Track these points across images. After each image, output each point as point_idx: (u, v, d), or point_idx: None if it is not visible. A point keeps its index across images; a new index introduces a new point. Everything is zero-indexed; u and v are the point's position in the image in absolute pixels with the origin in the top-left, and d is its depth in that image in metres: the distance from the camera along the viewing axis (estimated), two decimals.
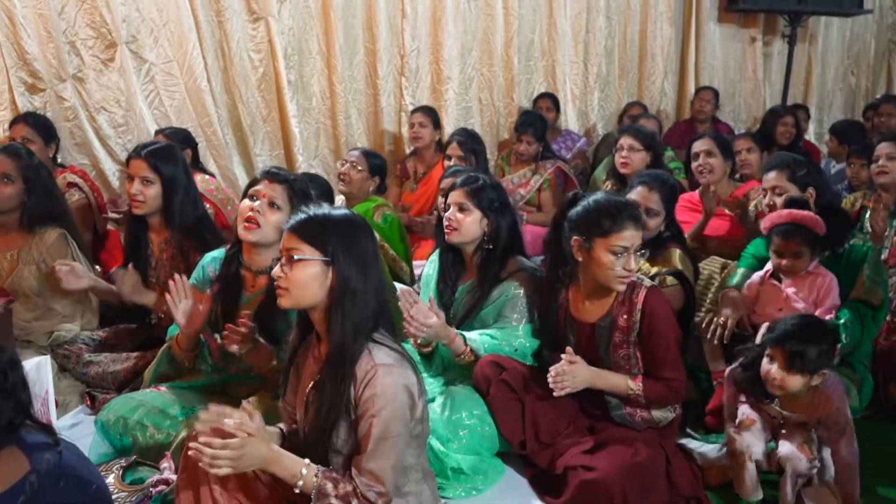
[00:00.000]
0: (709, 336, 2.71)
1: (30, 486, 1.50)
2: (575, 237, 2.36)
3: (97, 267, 3.42)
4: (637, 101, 5.97)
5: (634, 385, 2.37)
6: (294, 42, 4.78)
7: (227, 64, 4.60)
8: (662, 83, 6.29)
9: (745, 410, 2.41)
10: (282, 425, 2.00)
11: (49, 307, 3.03)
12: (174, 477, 2.09)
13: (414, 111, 4.88)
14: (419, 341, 2.73)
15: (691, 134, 5.05)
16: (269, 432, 1.89)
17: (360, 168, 3.80)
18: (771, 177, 3.09)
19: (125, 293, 2.84)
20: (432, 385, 2.70)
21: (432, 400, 2.60)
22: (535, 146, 4.64)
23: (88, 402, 2.88)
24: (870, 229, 3.46)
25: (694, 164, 3.77)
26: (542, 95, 5.61)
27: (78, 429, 2.74)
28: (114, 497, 2.07)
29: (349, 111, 5.08)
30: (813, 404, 2.24)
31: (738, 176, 3.96)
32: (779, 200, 3.02)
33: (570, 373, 2.32)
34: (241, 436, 1.70)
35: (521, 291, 2.65)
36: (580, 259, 2.38)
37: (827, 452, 2.34)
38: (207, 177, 4.07)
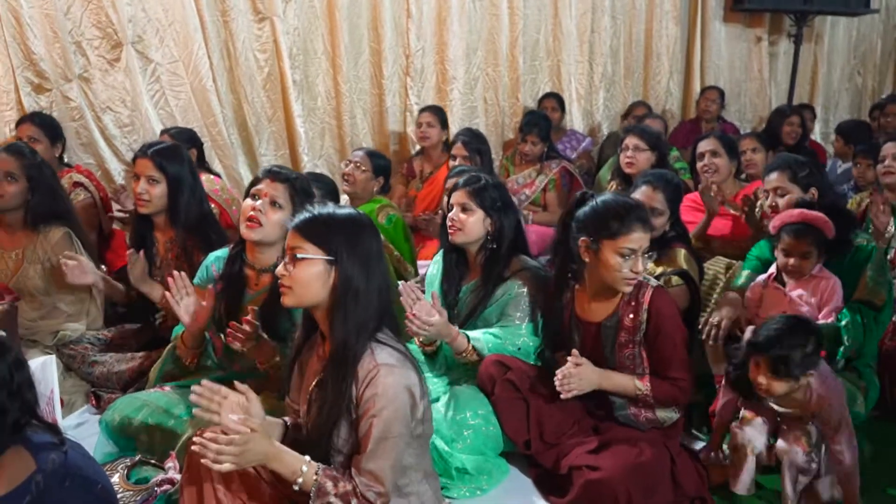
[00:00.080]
0: (703, 337, 2.71)
1: (36, 485, 1.50)
2: (582, 238, 2.36)
3: (103, 266, 3.43)
4: (642, 101, 5.96)
5: (642, 385, 2.37)
6: (299, 42, 4.78)
7: (233, 64, 4.61)
8: (668, 83, 6.28)
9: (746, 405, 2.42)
10: (286, 417, 2.01)
11: (54, 306, 3.04)
12: (179, 476, 2.10)
13: (422, 111, 4.88)
14: (422, 339, 2.73)
15: (697, 134, 5.05)
16: (272, 423, 1.90)
17: (364, 168, 3.81)
18: (773, 177, 3.08)
19: (134, 277, 2.84)
20: (436, 385, 2.70)
21: (436, 400, 2.60)
22: (539, 146, 4.63)
23: (94, 402, 2.89)
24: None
25: (699, 164, 3.76)
26: (548, 95, 5.61)
27: (83, 428, 2.75)
28: (119, 496, 2.08)
29: (354, 111, 5.08)
30: (805, 401, 2.23)
31: (743, 176, 3.95)
32: (781, 201, 3.01)
33: (577, 375, 2.31)
34: (245, 431, 1.70)
35: (525, 290, 2.65)
36: (587, 260, 2.37)
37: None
38: (212, 177, 4.07)
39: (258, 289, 2.50)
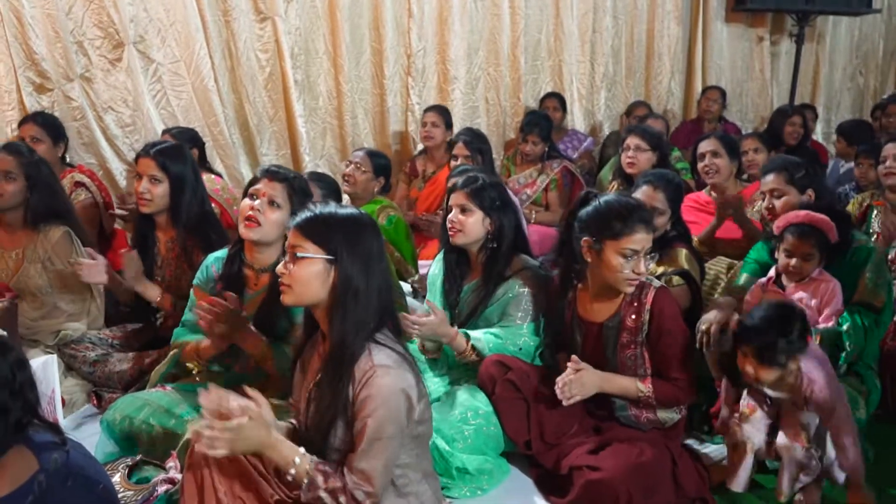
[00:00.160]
0: (696, 346, 2.70)
1: (38, 485, 1.51)
2: (585, 238, 2.36)
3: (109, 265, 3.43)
4: (642, 101, 5.96)
5: (644, 387, 2.37)
6: (301, 42, 4.79)
7: (234, 64, 4.61)
8: (669, 83, 6.28)
9: (746, 398, 2.41)
10: (293, 420, 2.01)
11: (55, 305, 3.04)
12: (179, 476, 2.10)
13: (427, 110, 4.88)
14: (426, 346, 2.73)
15: (698, 133, 5.04)
16: (279, 427, 1.90)
17: (364, 169, 3.81)
18: (769, 179, 3.05)
19: (128, 277, 2.84)
20: (437, 384, 2.71)
21: (437, 399, 2.61)
22: (540, 146, 4.64)
23: (95, 402, 2.89)
24: (876, 230, 3.44)
25: (700, 165, 3.76)
26: (549, 95, 5.61)
27: (84, 428, 2.75)
28: (120, 496, 2.08)
29: (355, 111, 5.08)
30: (797, 385, 2.22)
31: (745, 176, 3.94)
32: (778, 203, 2.99)
33: (578, 381, 2.31)
34: (241, 417, 1.72)
35: (526, 290, 2.65)
36: (589, 260, 2.37)
37: (831, 451, 2.33)
38: (214, 176, 4.08)
39: (257, 289, 2.50)
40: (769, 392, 2.31)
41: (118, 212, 3.81)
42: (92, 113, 4.24)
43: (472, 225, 2.67)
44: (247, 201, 2.44)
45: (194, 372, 2.52)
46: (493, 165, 4.54)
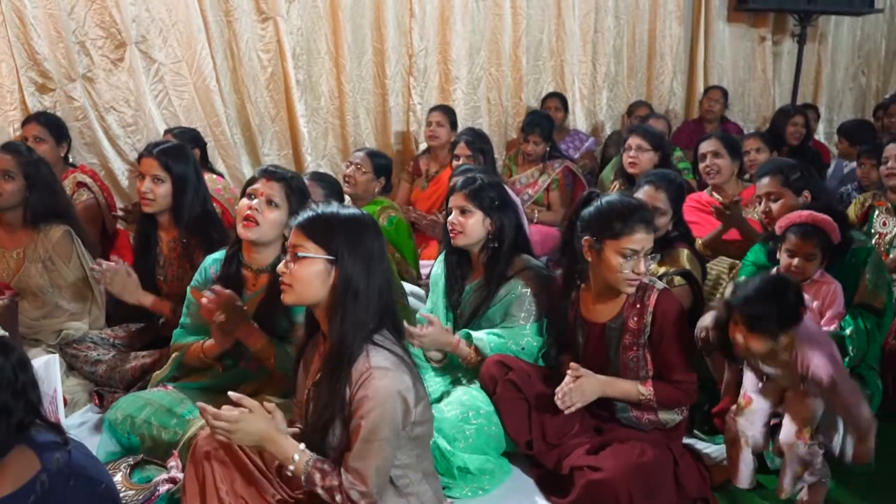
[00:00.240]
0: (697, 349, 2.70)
1: (40, 485, 1.51)
2: (585, 237, 2.36)
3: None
4: (644, 101, 5.95)
5: (645, 390, 2.36)
6: (303, 42, 4.79)
7: (236, 64, 4.62)
8: (671, 83, 6.27)
9: (746, 385, 2.41)
10: (300, 424, 2.01)
11: (56, 305, 3.04)
12: (181, 475, 2.10)
13: (432, 109, 4.88)
14: (431, 356, 2.74)
15: (700, 133, 5.03)
16: (287, 430, 1.90)
17: (364, 170, 3.80)
18: (764, 182, 3.03)
19: (115, 293, 2.84)
20: (438, 383, 2.71)
21: (439, 399, 2.61)
22: (542, 146, 4.64)
23: (97, 401, 2.89)
24: (878, 231, 3.44)
25: (701, 166, 3.75)
26: (551, 95, 5.61)
27: (86, 427, 2.76)
28: (121, 495, 2.08)
29: (357, 111, 5.09)
30: (792, 361, 2.20)
31: (747, 176, 3.94)
32: (775, 206, 2.97)
33: (579, 388, 2.30)
34: (242, 410, 1.75)
35: (528, 290, 2.65)
36: (589, 259, 2.37)
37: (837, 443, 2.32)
38: (215, 176, 4.09)
39: (256, 289, 2.50)
40: (765, 368, 2.29)
41: (119, 212, 3.82)
42: (94, 113, 4.25)
43: (472, 226, 2.67)
44: (245, 201, 2.44)
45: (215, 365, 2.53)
46: (494, 165, 4.55)
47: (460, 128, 4.86)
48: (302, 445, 1.80)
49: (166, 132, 4.16)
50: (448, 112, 4.84)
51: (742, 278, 2.32)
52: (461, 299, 2.80)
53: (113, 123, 4.30)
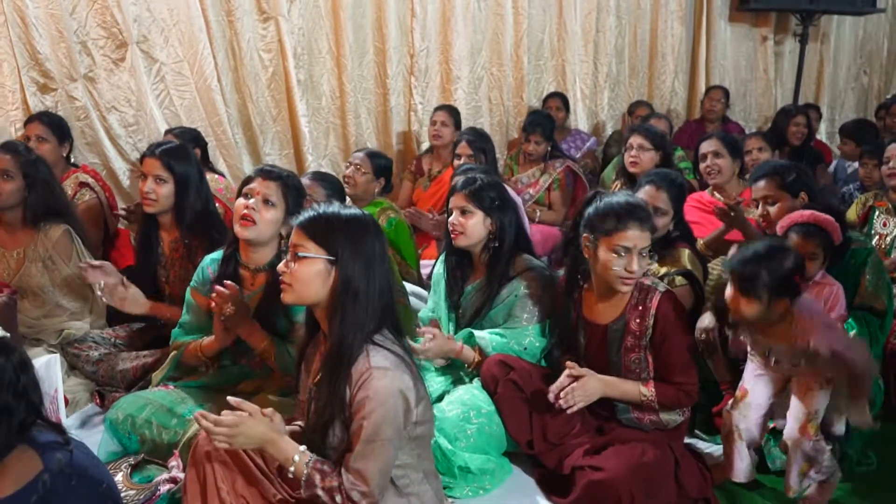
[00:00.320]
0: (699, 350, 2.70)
1: (42, 485, 1.51)
2: (585, 234, 2.37)
3: (114, 267, 3.43)
4: (644, 101, 5.94)
5: (647, 391, 2.36)
6: (304, 42, 4.79)
7: (238, 63, 4.62)
8: (673, 82, 6.27)
9: (744, 377, 2.42)
10: (300, 423, 2.02)
11: (57, 304, 3.05)
12: (182, 475, 2.11)
13: (437, 109, 4.87)
14: (434, 363, 2.74)
15: (701, 133, 5.02)
16: (286, 430, 1.90)
17: (364, 171, 3.78)
18: (761, 185, 3.00)
19: (116, 306, 2.83)
20: (440, 383, 2.71)
21: (440, 398, 2.61)
22: (543, 146, 4.63)
23: (98, 401, 2.89)
24: (878, 231, 3.43)
25: (702, 166, 3.75)
26: (552, 95, 5.60)
27: (87, 427, 2.76)
28: (122, 495, 2.09)
29: (359, 110, 5.08)
30: (792, 332, 2.19)
31: (747, 176, 3.93)
32: (773, 209, 2.96)
33: (581, 388, 2.30)
34: (241, 414, 1.76)
35: (531, 291, 2.65)
36: (588, 257, 2.38)
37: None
38: (217, 176, 4.09)
39: (254, 288, 2.51)
40: (758, 340, 2.28)
41: (120, 212, 3.82)
42: (95, 112, 4.25)
43: (473, 226, 2.67)
44: (241, 201, 2.44)
45: (207, 364, 2.53)
46: (496, 165, 4.54)
47: (462, 127, 4.86)
48: (302, 447, 1.80)
49: (167, 132, 4.16)
50: (452, 112, 4.84)
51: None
52: (462, 300, 2.80)
53: (114, 123, 4.30)
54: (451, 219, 2.71)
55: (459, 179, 2.81)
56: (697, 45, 6.33)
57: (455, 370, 2.75)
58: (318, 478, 1.76)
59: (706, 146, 3.72)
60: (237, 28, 4.54)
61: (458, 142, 4.32)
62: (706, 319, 2.68)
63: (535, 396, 2.48)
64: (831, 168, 5.34)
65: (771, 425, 2.55)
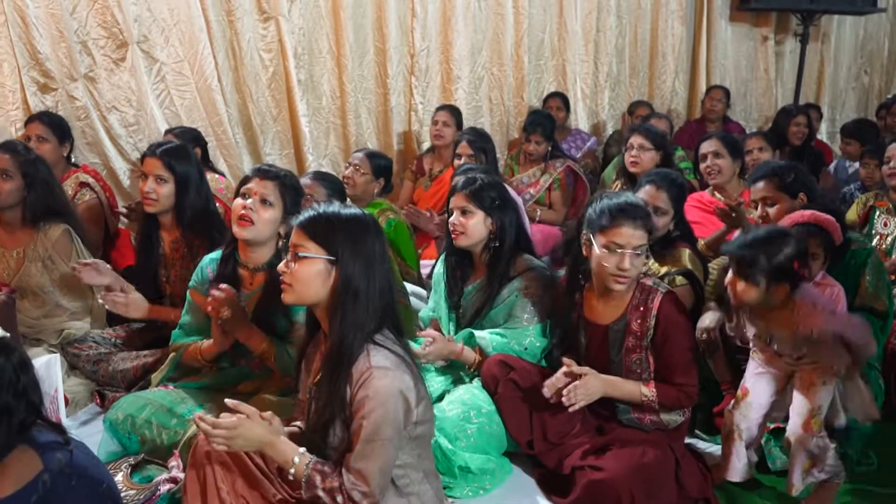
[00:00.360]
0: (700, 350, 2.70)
1: (42, 485, 1.51)
2: (584, 232, 2.39)
3: (108, 266, 3.43)
4: (644, 101, 5.94)
5: (648, 392, 2.36)
6: (304, 41, 4.79)
7: (238, 63, 4.62)
8: (673, 82, 6.27)
9: (745, 377, 2.41)
10: (300, 423, 2.02)
11: (57, 304, 3.05)
12: (182, 475, 2.11)
13: (439, 109, 4.87)
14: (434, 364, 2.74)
15: (702, 133, 5.02)
16: (284, 431, 1.90)
17: (363, 171, 3.77)
18: (759, 187, 2.99)
19: (120, 313, 2.84)
20: (440, 383, 2.71)
21: (440, 398, 2.61)
22: (543, 146, 4.63)
23: (98, 401, 2.89)
24: (879, 231, 3.43)
25: (702, 166, 3.75)
26: (553, 95, 5.60)
27: (87, 427, 2.76)
28: (122, 495, 2.09)
29: (359, 110, 5.08)
30: (795, 319, 2.19)
31: (748, 176, 3.93)
32: (772, 211, 2.96)
33: (583, 386, 2.30)
34: (238, 416, 1.75)
35: (531, 291, 2.65)
36: (586, 255, 2.39)
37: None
38: (217, 176, 4.09)
39: (253, 288, 2.51)
40: (758, 327, 2.28)
41: (121, 210, 3.82)
42: (96, 112, 4.25)
43: (473, 226, 2.67)
44: (239, 201, 2.44)
45: (206, 366, 2.53)
46: (496, 165, 4.54)
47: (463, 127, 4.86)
48: (302, 449, 1.80)
49: (167, 132, 4.16)
50: (454, 112, 4.84)
51: None
52: (462, 300, 2.79)
53: (115, 123, 4.30)
54: (451, 219, 2.71)
55: (460, 179, 2.81)
56: (698, 45, 6.32)
57: (455, 370, 2.75)
58: (318, 479, 1.76)
59: (706, 146, 3.72)
60: (237, 28, 4.54)
61: (458, 142, 4.31)
62: (707, 319, 2.67)
63: (536, 396, 2.48)
64: (831, 168, 5.33)
65: (771, 426, 2.55)
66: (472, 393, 2.57)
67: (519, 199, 3.49)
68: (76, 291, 3.07)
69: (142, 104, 4.32)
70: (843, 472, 2.31)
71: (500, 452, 2.54)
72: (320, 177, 3.32)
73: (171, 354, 2.59)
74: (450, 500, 2.30)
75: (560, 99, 5.54)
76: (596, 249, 2.31)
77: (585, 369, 2.33)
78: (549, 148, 4.66)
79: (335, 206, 1.88)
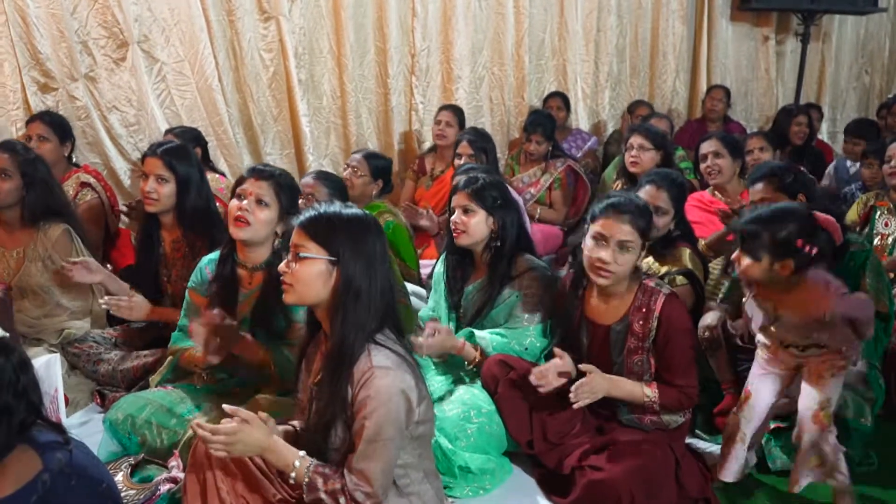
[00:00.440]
0: (702, 350, 2.69)
1: (42, 484, 1.51)
2: (586, 227, 2.40)
3: (108, 265, 3.44)
4: (644, 101, 5.94)
5: (651, 392, 2.36)
6: (305, 41, 4.79)
7: (238, 63, 4.62)
8: (674, 82, 6.27)
9: (749, 378, 2.40)
10: (296, 422, 2.02)
11: (57, 303, 3.05)
12: (182, 475, 2.11)
13: (441, 109, 4.87)
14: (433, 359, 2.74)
15: (702, 133, 5.02)
16: (279, 430, 1.90)
17: (361, 173, 3.76)
18: (758, 188, 2.97)
19: (124, 317, 2.85)
20: (440, 383, 2.71)
21: (440, 398, 2.60)
22: (544, 145, 4.64)
23: (98, 400, 2.89)
24: (880, 231, 3.42)
25: (702, 166, 3.75)
26: (553, 94, 5.60)
27: (87, 426, 2.75)
28: (122, 495, 2.09)
29: (360, 110, 5.08)
30: (806, 301, 2.17)
31: (747, 176, 3.93)
32: None
33: (588, 384, 2.30)
34: (237, 421, 1.75)
35: (532, 291, 2.65)
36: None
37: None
38: (217, 176, 4.09)
39: (251, 287, 2.50)
40: (765, 307, 2.28)
41: (122, 208, 3.82)
42: (96, 112, 4.25)
43: (475, 225, 2.67)
44: (235, 202, 2.44)
45: (201, 376, 2.53)
46: (497, 165, 4.54)
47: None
48: (301, 452, 1.79)
49: (167, 132, 4.16)
50: (457, 112, 4.84)
51: None
52: (463, 300, 2.79)
53: (115, 123, 4.30)
54: (453, 217, 2.71)
55: (461, 179, 2.81)
56: (699, 45, 6.32)
57: (455, 370, 2.75)
58: (320, 481, 1.75)
59: (706, 146, 3.72)
60: (238, 28, 4.54)
61: (459, 141, 4.31)
62: (710, 317, 2.67)
63: (536, 397, 2.48)
64: (831, 168, 5.32)
65: (772, 426, 2.55)
66: (472, 393, 2.57)
67: (520, 200, 3.50)
68: (76, 291, 3.07)
69: (142, 104, 4.32)
70: (850, 485, 2.28)
71: (500, 452, 2.54)
72: (322, 176, 3.32)
73: (169, 358, 2.59)
74: (450, 499, 2.29)
75: (560, 99, 5.54)
76: (587, 240, 2.34)
77: (591, 367, 2.33)
78: (550, 148, 4.67)
79: (336, 206, 1.88)
